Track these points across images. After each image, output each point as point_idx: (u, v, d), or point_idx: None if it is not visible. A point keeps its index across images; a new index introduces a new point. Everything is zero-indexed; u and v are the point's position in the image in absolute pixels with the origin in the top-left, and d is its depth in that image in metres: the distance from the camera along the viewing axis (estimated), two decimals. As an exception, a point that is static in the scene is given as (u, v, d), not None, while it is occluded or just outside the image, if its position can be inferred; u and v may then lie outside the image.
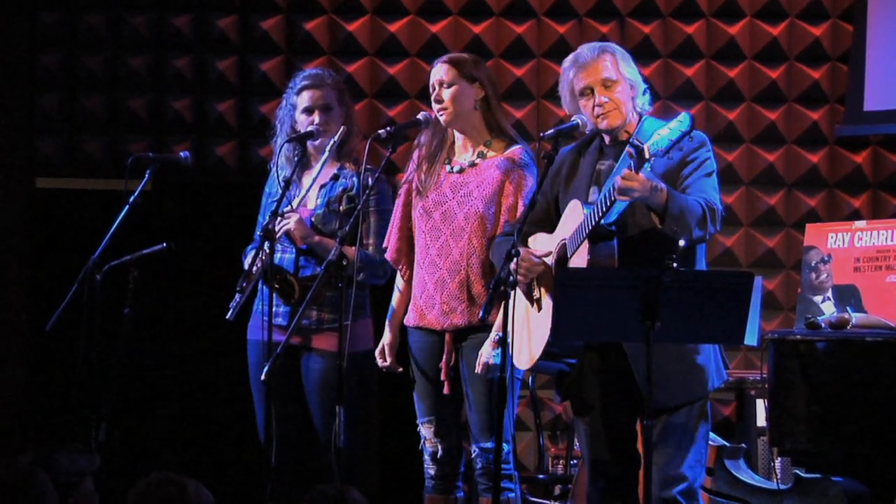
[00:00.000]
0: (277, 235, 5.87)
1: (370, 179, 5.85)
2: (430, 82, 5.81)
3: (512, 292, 5.09)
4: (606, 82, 5.22)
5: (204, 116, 7.92)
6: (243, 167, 7.89)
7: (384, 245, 5.94)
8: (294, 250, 6.02)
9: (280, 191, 5.85)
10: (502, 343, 5.12)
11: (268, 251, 5.77)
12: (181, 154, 6.33)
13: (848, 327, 5.59)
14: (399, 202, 5.92)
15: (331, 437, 5.74)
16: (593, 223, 4.98)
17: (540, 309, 5.24)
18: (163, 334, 7.61)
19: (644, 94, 5.30)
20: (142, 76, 7.91)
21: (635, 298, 4.74)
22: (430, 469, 5.85)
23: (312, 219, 6.04)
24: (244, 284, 5.93)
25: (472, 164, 5.79)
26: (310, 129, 6.04)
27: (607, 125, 5.23)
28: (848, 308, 5.75)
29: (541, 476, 7.24)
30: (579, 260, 5.04)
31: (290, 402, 6.02)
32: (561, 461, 7.33)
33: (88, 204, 7.66)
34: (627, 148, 5.02)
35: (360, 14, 7.94)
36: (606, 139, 5.29)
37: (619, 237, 5.04)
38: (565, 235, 5.17)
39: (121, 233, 6.01)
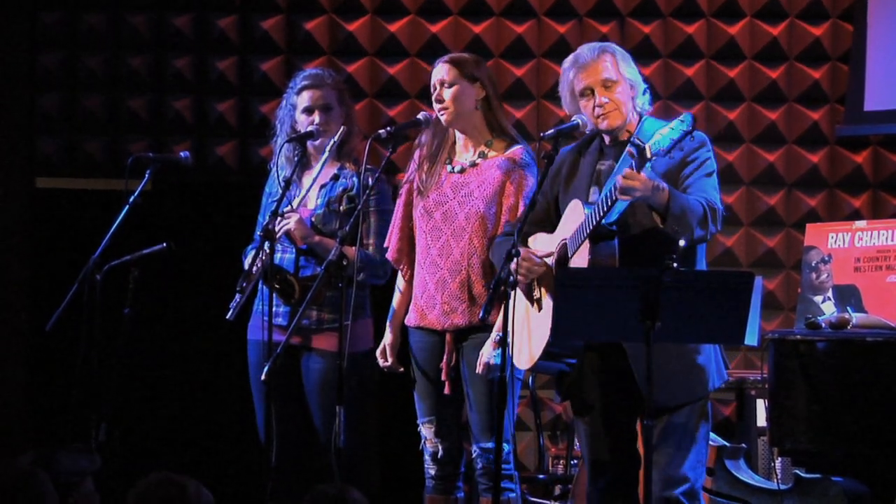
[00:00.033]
0: (277, 235, 5.87)
1: (370, 179, 5.85)
2: (432, 82, 5.81)
3: (512, 292, 5.09)
4: (606, 83, 5.22)
5: (204, 116, 7.92)
6: (243, 167, 7.89)
7: (385, 245, 5.94)
8: (294, 250, 6.02)
9: (280, 191, 5.85)
10: (503, 343, 5.12)
11: (268, 251, 5.76)
12: (181, 154, 6.33)
13: (848, 327, 5.58)
14: (400, 202, 5.92)
15: (331, 437, 5.73)
16: (594, 223, 4.98)
17: (540, 309, 5.24)
18: (163, 334, 7.61)
19: (644, 93, 5.30)
20: (142, 76, 7.91)
21: (635, 298, 4.74)
22: (430, 469, 5.85)
23: (312, 219, 6.04)
24: (244, 284, 5.93)
25: (473, 164, 5.79)
26: (310, 129, 6.04)
27: (608, 125, 5.23)
28: (848, 308, 5.75)
29: (541, 476, 7.24)
30: (580, 259, 5.04)
31: (290, 402, 6.02)
32: (561, 461, 7.33)
33: (88, 204, 7.66)
34: (628, 148, 5.02)
35: (361, 14, 7.94)
36: (606, 139, 5.29)
37: (620, 237, 5.04)
38: (566, 235, 5.17)
39: (121, 233, 6.01)
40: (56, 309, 6.05)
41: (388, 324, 5.95)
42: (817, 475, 6.05)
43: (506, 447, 5.47)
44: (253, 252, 5.93)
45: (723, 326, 4.85)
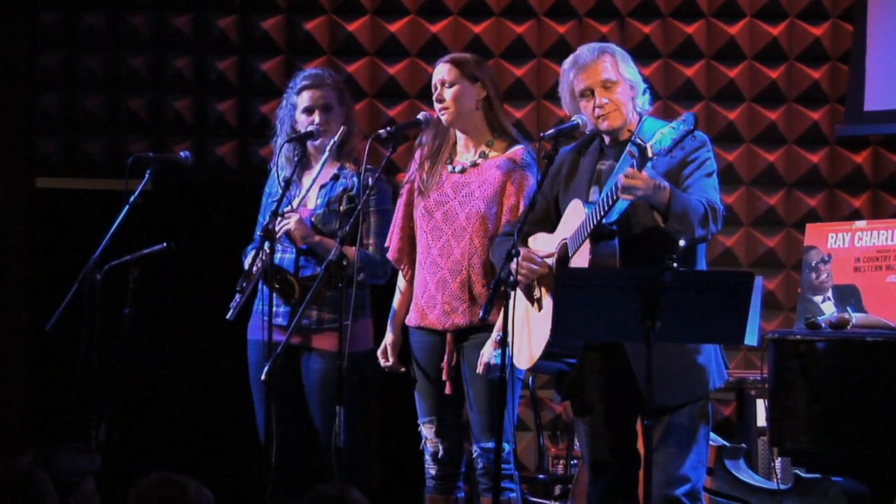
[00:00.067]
0: (278, 235, 5.87)
1: (370, 179, 5.85)
2: (433, 82, 5.81)
3: (512, 292, 5.09)
4: (606, 83, 5.22)
5: (204, 116, 7.92)
6: (243, 167, 7.89)
7: (386, 245, 5.94)
8: (294, 250, 6.02)
9: (280, 191, 5.85)
10: (503, 343, 5.11)
11: (268, 251, 5.76)
12: (181, 154, 6.33)
13: (848, 327, 5.58)
14: (401, 202, 5.92)
15: (331, 437, 5.73)
16: (595, 222, 4.98)
17: (540, 309, 5.24)
18: (163, 334, 7.61)
19: (644, 93, 5.30)
20: (142, 76, 7.91)
21: (635, 298, 4.74)
22: (430, 469, 5.85)
23: (312, 219, 6.04)
24: (244, 284, 5.93)
25: (474, 164, 5.79)
26: (310, 128, 6.04)
27: (608, 126, 5.23)
28: (848, 308, 5.75)
29: (541, 476, 7.24)
30: (581, 259, 5.04)
31: (291, 402, 6.02)
32: (561, 461, 7.33)
33: (88, 204, 7.66)
34: (629, 147, 5.03)
35: (361, 14, 7.94)
36: (606, 139, 5.29)
37: (621, 236, 5.04)
38: (566, 235, 5.17)
39: (121, 233, 6.01)
40: (56, 309, 6.05)
41: (389, 324, 5.95)
42: (817, 475, 6.05)
43: (506, 447, 5.47)
44: (253, 252, 5.93)
45: (723, 326, 4.85)
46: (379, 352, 5.94)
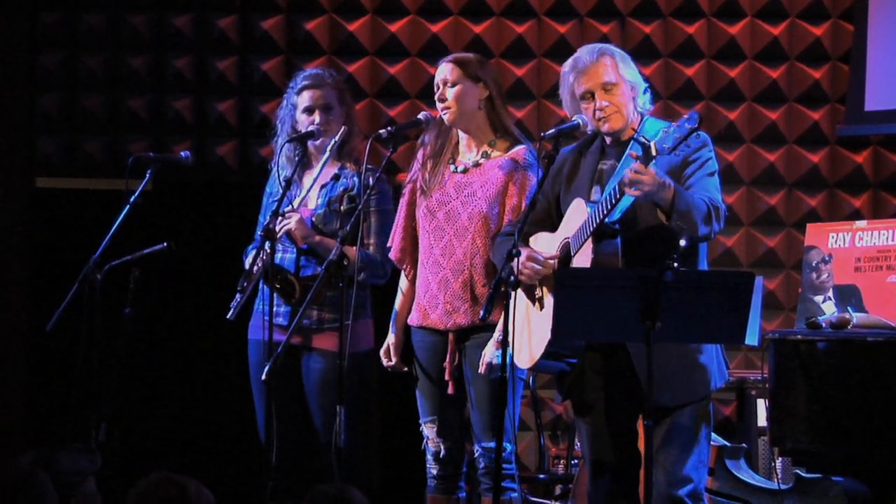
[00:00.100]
0: (278, 235, 5.87)
1: (371, 179, 5.85)
2: (435, 81, 5.81)
3: (513, 292, 5.09)
4: (606, 86, 5.22)
5: (204, 116, 7.92)
6: (244, 167, 7.89)
7: (388, 244, 5.94)
8: (295, 250, 6.02)
9: (281, 191, 5.85)
10: (504, 343, 5.11)
11: (269, 251, 5.76)
12: (182, 154, 6.33)
13: (849, 327, 5.58)
14: (403, 201, 5.92)
15: (331, 437, 5.73)
16: (598, 220, 4.98)
17: (542, 308, 5.24)
18: (163, 334, 7.61)
19: (645, 93, 5.30)
20: (142, 76, 7.90)
21: (636, 298, 4.74)
22: (432, 469, 5.85)
23: (313, 219, 6.04)
24: (245, 284, 5.93)
25: (476, 164, 5.79)
26: (310, 128, 6.04)
27: (609, 128, 5.23)
28: (849, 308, 5.74)
29: (541, 476, 7.24)
30: (583, 258, 5.03)
31: (291, 402, 6.02)
32: (561, 461, 7.32)
33: (88, 204, 7.66)
34: (629, 149, 5.03)
35: (361, 14, 7.94)
36: (608, 139, 5.29)
37: (623, 235, 5.03)
38: (568, 234, 5.17)
39: (121, 233, 6.01)
40: (56, 309, 6.04)
41: (391, 324, 5.95)
42: (818, 475, 6.05)
43: (508, 447, 5.47)
44: (254, 252, 5.93)
45: (723, 326, 4.84)
46: (382, 352, 5.94)
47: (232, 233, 6.48)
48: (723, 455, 6.44)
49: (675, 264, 4.79)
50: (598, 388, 5.21)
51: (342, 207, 6.04)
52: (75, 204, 7.74)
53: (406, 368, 5.91)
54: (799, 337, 5.52)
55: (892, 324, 5.57)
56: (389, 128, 5.77)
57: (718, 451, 6.42)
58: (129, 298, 5.95)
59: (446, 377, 5.75)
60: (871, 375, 5.38)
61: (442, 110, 5.78)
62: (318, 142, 6.04)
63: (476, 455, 5.73)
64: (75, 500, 4.32)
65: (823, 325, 5.60)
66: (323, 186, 6.08)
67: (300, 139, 6.00)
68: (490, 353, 5.57)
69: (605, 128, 5.23)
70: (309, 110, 6.08)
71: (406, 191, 5.92)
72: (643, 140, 4.90)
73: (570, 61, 5.31)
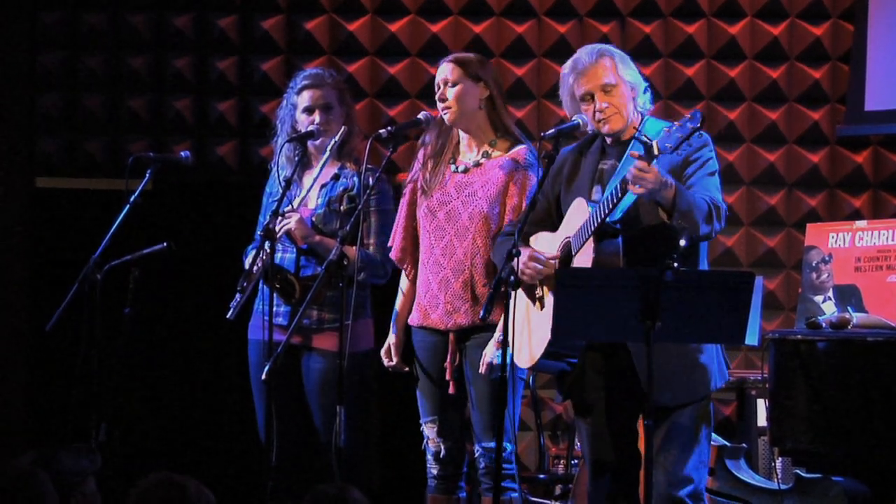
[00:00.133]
0: (278, 235, 5.87)
1: (371, 179, 5.85)
2: (436, 81, 5.82)
3: (513, 292, 5.09)
4: (606, 87, 5.22)
5: (204, 116, 7.92)
6: (244, 167, 7.89)
7: (389, 244, 5.94)
8: (295, 250, 6.02)
9: (281, 190, 5.85)
10: (504, 343, 5.11)
11: (268, 251, 5.76)
12: (182, 154, 6.33)
13: (849, 327, 5.58)
14: (404, 201, 5.92)
15: (331, 437, 5.73)
16: (599, 219, 4.98)
17: (542, 308, 5.24)
18: (163, 334, 7.60)
19: (645, 93, 5.31)
20: (142, 76, 7.90)
21: (636, 298, 4.74)
22: (432, 469, 5.85)
23: (313, 218, 6.04)
24: (245, 284, 5.93)
25: (477, 164, 5.79)
26: (310, 128, 6.04)
27: (609, 129, 5.24)
28: (849, 308, 5.74)
29: (541, 476, 7.24)
30: (584, 257, 5.04)
31: (291, 402, 6.02)
32: (562, 461, 7.32)
33: (88, 204, 7.65)
34: (631, 148, 5.03)
35: (361, 14, 7.94)
36: (608, 139, 5.29)
37: (625, 235, 5.03)
38: (569, 233, 5.17)
39: (121, 232, 6.01)
40: (56, 309, 6.05)
41: (391, 324, 5.95)
42: (818, 475, 6.05)
43: (508, 447, 5.47)
44: (254, 252, 5.93)
45: (723, 326, 4.85)
46: (382, 351, 5.94)
47: (232, 233, 6.48)
48: (723, 455, 6.44)
49: (676, 264, 4.79)
50: (599, 388, 5.21)
51: (342, 207, 6.04)
52: (75, 204, 7.74)
53: (407, 368, 5.91)
54: (799, 337, 5.52)
55: (892, 324, 5.57)
56: (389, 128, 5.77)
57: (718, 451, 6.42)
58: (129, 298, 5.95)
59: (447, 377, 5.75)
60: (871, 375, 5.38)
61: (443, 110, 5.78)
62: (318, 142, 6.04)
63: (476, 455, 5.73)
64: (75, 500, 4.32)
65: (823, 325, 5.60)
66: (323, 186, 6.08)
67: (300, 139, 6.00)
68: (490, 353, 5.57)
69: (605, 129, 5.24)
70: (309, 110, 6.08)
71: (407, 190, 5.92)
72: (645, 139, 4.89)
73: (569, 62, 5.32)
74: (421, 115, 5.88)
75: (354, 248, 5.77)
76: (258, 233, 6.07)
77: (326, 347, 5.95)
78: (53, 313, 6.06)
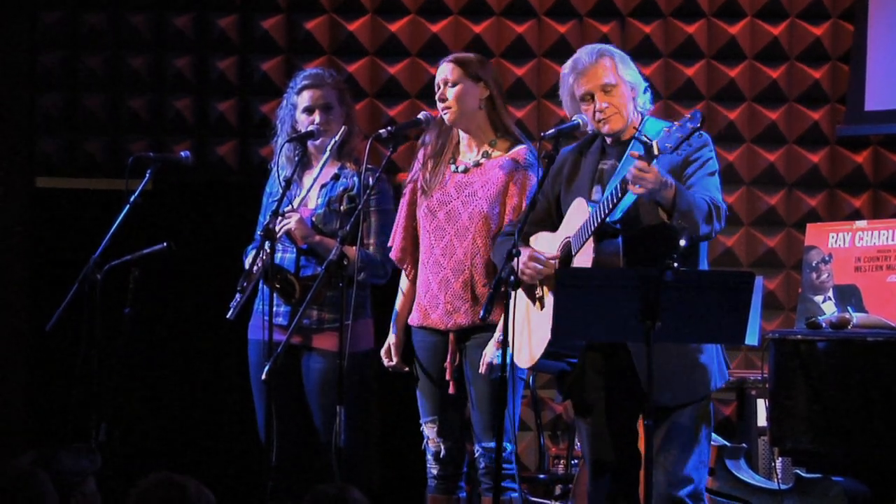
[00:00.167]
0: (278, 235, 5.87)
1: (371, 179, 5.85)
2: (436, 81, 5.82)
3: (513, 292, 5.09)
4: (606, 87, 5.23)
5: (204, 116, 7.92)
6: (244, 167, 7.89)
7: (389, 244, 5.94)
8: (295, 250, 6.02)
9: (281, 190, 5.85)
10: (504, 343, 5.11)
11: (268, 251, 5.76)
12: (182, 154, 6.33)
13: (849, 327, 5.58)
14: (404, 201, 5.92)
15: (331, 437, 5.73)
16: (599, 219, 4.98)
17: (542, 307, 5.24)
18: (163, 334, 7.60)
19: (645, 92, 5.31)
20: (142, 76, 7.90)
21: (636, 298, 4.74)
22: (432, 469, 5.85)
23: (313, 218, 6.04)
24: (245, 284, 5.93)
25: (477, 164, 5.79)
26: (310, 128, 6.04)
27: (609, 129, 5.24)
28: (849, 308, 5.74)
29: (541, 476, 7.24)
30: (584, 257, 5.04)
31: (291, 402, 6.02)
32: (561, 461, 7.32)
33: (89, 204, 7.65)
34: (631, 148, 5.03)
35: (361, 13, 7.93)
36: (608, 139, 5.29)
37: (625, 234, 5.03)
38: (569, 233, 5.17)
39: (121, 232, 6.01)
40: (56, 309, 6.05)
41: (391, 324, 5.95)
42: (818, 475, 6.04)
43: (508, 447, 5.47)
44: (254, 252, 5.93)
45: (723, 326, 4.84)
46: (382, 351, 5.94)
47: (232, 233, 6.48)
48: (723, 455, 6.44)
49: (676, 264, 4.79)
50: (599, 388, 5.21)
51: (342, 207, 6.04)
52: (75, 204, 7.74)
53: (407, 368, 5.91)
54: (799, 337, 5.52)
55: (892, 324, 5.57)
56: (389, 128, 5.77)
57: (718, 451, 6.42)
58: (129, 298, 5.95)
59: (447, 377, 5.75)
60: (871, 375, 5.38)
61: (443, 110, 5.78)
62: (317, 142, 6.04)
63: (476, 455, 5.73)
64: (75, 500, 4.32)
65: (823, 325, 5.60)
66: (323, 186, 6.08)
67: (300, 139, 6.00)
68: (490, 353, 5.57)
69: (605, 129, 5.24)
70: (309, 110, 6.08)
71: (407, 190, 5.92)
72: (645, 139, 4.89)
73: (569, 63, 5.32)
74: (421, 115, 5.88)
75: (354, 248, 5.77)
76: (258, 233, 6.07)
77: (326, 347, 5.95)
78: (53, 313, 6.06)
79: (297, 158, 6.00)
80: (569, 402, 5.55)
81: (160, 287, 7.12)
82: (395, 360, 5.91)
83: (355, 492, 3.96)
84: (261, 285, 6.01)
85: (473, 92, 5.77)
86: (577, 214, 5.14)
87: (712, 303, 4.79)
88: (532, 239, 5.35)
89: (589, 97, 5.23)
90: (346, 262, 5.64)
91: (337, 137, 5.99)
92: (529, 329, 5.26)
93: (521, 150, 5.77)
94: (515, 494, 5.70)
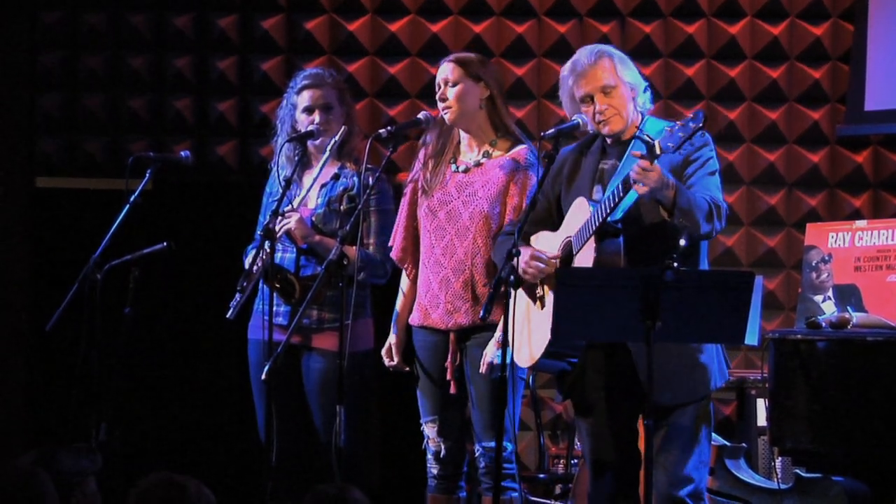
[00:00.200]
0: (278, 235, 5.87)
1: (371, 179, 5.85)
2: (436, 81, 5.82)
3: (513, 292, 5.09)
4: (605, 89, 5.23)
5: (204, 116, 7.92)
6: (244, 167, 7.89)
7: (390, 244, 5.94)
8: (295, 250, 6.02)
9: (281, 190, 5.85)
10: (504, 343, 5.11)
11: (268, 250, 5.76)
12: (182, 154, 6.34)
13: (849, 327, 5.59)
14: (405, 201, 5.92)
15: (331, 437, 5.73)
16: (601, 219, 4.99)
17: (542, 307, 5.24)
18: (163, 334, 7.60)
19: (644, 92, 5.31)
20: (142, 76, 7.90)
21: (636, 298, 4.74)
22: (433, 469, 5.85)
23: (313, 218, 6.04)
24: (244, 284, 5.93)
25: (478, 164, 5.80)
26: (310, 128, 6.04)
27: (609, 130, 5.24)
28: (848, 307, 5.74)
29: (541, 476, 7.24)
30: (586, 257, 5.04)
31: (291, 402, 6.02)
32: (561, 461, 7.32)
33: (89, 204, 7.65)
34: (632, 147, 5.04)
35: (361, 13, 7.93)
36: (609, 139, 5.29)
37: (626, 234, 5.03)
38: (570, 233, 5.17)
39: (121, 232, 6.01)
40: (56, 309, 6.05)
41: (392, 324, 5.95)
42: (818, 475, 6.04)
43: (509, 446, 5.47)
44: (253, 251, 5.93)
45: (723, 326, 4.85)
46: (383, 351, 5.94)
47: (232, 233, 6.48)
48: (723, 455, 6.44)
49: (676, 264, 4.79)
50: (599, 388, 5.21)
51: (342, 207, 6.04)
52: (75, 204, 7.74)
53: (407, 368, 5.91)
54: (799, 337, 5.53)
55: (892, 324, 5.57)
56: (389, 127, 5.78)
57: (718, 451, 6.41)
58: (129, 298, 5.95)
59: (448, 377, 5.75)
60: (871, 375, 5.38)
61: (443, 110, 5.79)
62: (317, 141, 6.04)
63: (476, 454, 5.74)
64: (76, 500, 4.32)
65: (823, 324, 5.60)
66: (323, 186, 6.08)
67: (300, 139, 6.00)
68: (491, 353, 5.57)
69: (605, 130, 5.24)
70: (309, 110, 6.08)
71: (407, 190, 5.92)
72: (647, 138, 4.90)
73: (568, 64, 5.32)
74: (421, 115, 5.88)
75: (354, 247, 5.77)
76: (258, 233, 6.07)
77: (326, 347, 5.95)
78: (53, 313, 6.06)
79: (297, 158, 6.00)
80: (569, 402, 5.55)
81: (160, 287, 7.12)
82: (395, 359, 5.92)
83: (355, 492, 3.96)
84: (261, 285, 6.01)
85: (474, 92, 5.77)
86: (579, 214, 5.14)
87: (712, 302, 4.79)
88: (533, 238, 5.35)
89: (589, 99, 5.24)
90: (346, 262, 5.64)
91: (337, 137, 5.99)
92: (530, 328, 5.26)
93: (521, 149, 5.77)
94: (515, 494, 5.70)
